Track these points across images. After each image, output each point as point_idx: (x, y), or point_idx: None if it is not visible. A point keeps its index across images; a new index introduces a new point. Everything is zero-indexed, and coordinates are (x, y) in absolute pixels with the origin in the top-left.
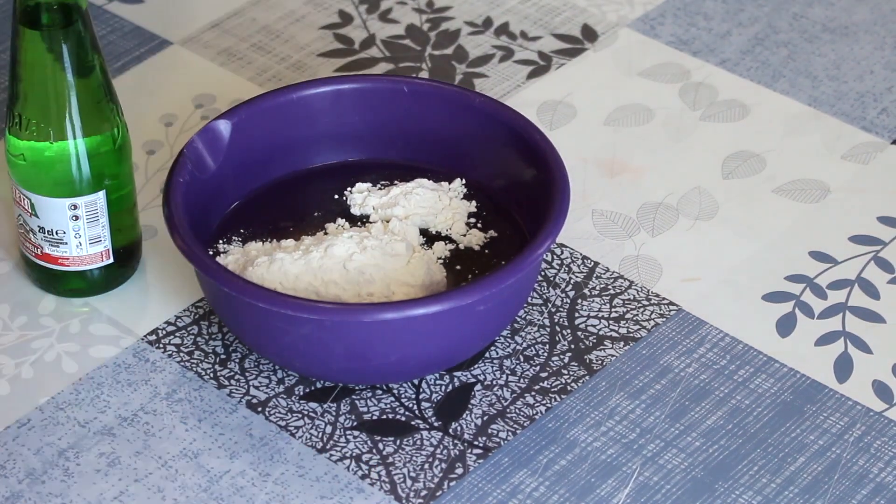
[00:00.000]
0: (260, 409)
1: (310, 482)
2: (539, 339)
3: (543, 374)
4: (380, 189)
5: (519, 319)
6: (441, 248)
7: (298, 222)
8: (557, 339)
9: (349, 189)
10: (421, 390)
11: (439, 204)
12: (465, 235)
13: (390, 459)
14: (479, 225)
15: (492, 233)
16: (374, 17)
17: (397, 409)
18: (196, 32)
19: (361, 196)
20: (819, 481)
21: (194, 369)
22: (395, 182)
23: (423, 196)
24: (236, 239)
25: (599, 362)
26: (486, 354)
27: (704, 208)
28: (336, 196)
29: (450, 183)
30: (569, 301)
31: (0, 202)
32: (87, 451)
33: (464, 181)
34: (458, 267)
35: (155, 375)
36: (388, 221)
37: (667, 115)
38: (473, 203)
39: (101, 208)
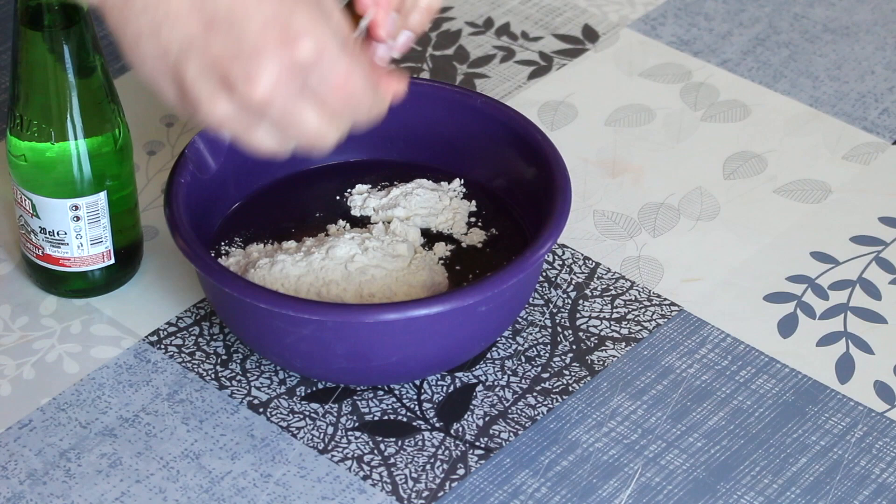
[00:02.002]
0: (261, 409)
1: (311, 483)
2: (540, 340)
3: (545, 375)
4: (379, 190)
5: (520, 320)
6: (441, 249)
7: (300, 223)
8: (559, 339)
9: (349, 191)
10: (422, 391)
11: (440, 204)
12: (466, 234)
13: (392, 460)
14: (479, 224)
15: (493, 231)
16: None
17: (399, 410)
18: None
19: (361, 198)
20: (821, 482)
21: (196, 370)
22: (395, 183)
23: (423, 196)
24: (237, 240)
25: (601, 363)
26: (488, 355)
27: (706, 209)
28: (337, 197)
29: (449, 183)
30: (570, 302)
31: (1, 202)
32: (89, 451)
33: (462, 181)
34: (458, 267)
35: (156, 376)
36: (389, 223)
37: (668, 115)
38: (473, 203)
39: (103, 209)
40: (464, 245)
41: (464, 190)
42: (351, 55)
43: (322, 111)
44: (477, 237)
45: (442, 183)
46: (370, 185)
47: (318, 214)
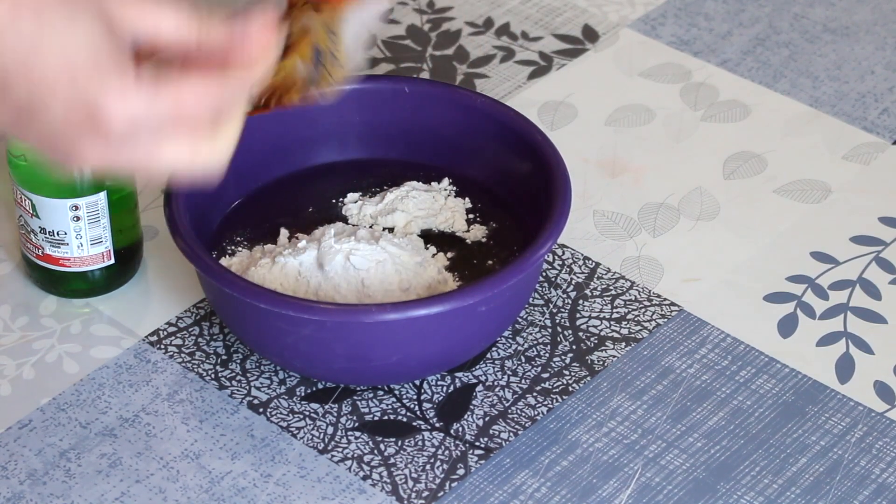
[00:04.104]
0: (261, 409)
1: (311, 483)
2: (540, 340)
3: (545, 375)
4: (371, 196)
5: (520, 320)
6: (442, 258)
7: (299, 223)
8: (559, 339)
9: (341, 199)
10: (422, 391)
11: (436, 204)
12: (468, 231)
13: (392, 460)
14: (478, 220)
15: (492, 224)
16: None
17: (399, 410)
18: None
19: (356, 206)
20: (821, 482)
21: (196, 370)
22: (386, 187)
23: (418, 198)
24: (239, 240)
25: (601, 363)
26: (488, 355)
27: (706, 209)
28: (337, 196)
29: (439, 182)
30: (570, 302)
31: (1, 203)
32: (89, 451)
33: (451, 180)
34: (463, 264)
35: (156, 376)
36: (391, 229)
37: (668, 115)
38: (467, 200)
39: (103, 209)
40: (468, 241)
41: (454, 188)
42: (169, 81)
43: (178, 140)
44: (479, 233)
45: (432, 183)
46: (360, 193)
47: (317, 214)
